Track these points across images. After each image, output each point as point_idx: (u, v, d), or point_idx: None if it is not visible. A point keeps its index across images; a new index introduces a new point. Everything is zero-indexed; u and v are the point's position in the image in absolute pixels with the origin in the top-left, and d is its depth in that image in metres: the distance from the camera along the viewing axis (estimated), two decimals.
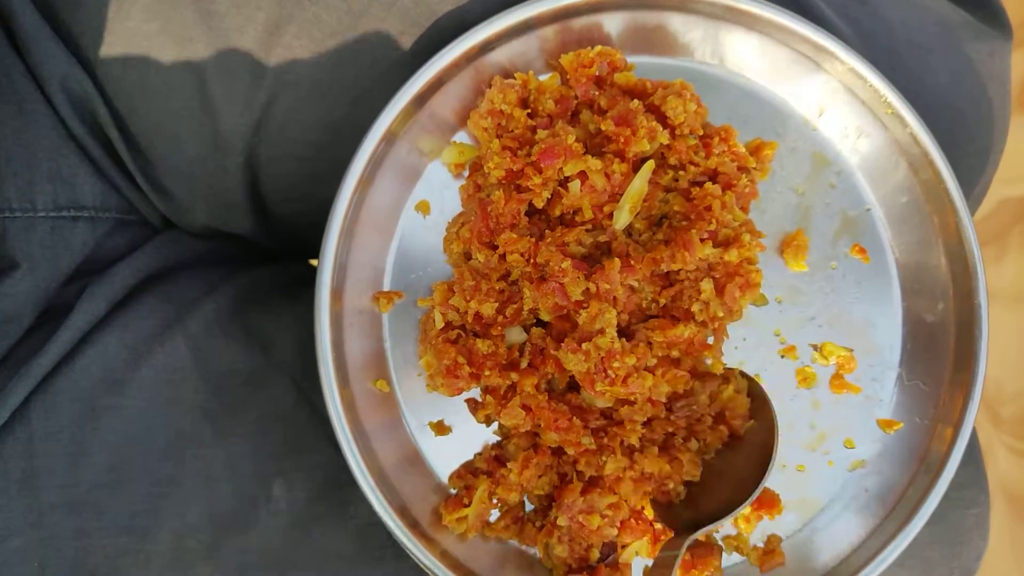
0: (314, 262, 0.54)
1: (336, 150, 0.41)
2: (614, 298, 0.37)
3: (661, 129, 0.37)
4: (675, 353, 0.38)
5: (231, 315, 0.43)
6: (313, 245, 0.38)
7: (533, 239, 0.37)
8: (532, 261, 0.37)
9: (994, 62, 0.49)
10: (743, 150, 0.39)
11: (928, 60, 0.45)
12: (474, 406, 0.40)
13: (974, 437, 0.44)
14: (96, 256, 0.42)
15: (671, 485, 0.39)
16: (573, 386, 0.39)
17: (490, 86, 0.38)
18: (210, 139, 0.41)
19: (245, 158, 0.41)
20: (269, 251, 0.52)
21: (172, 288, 0.43)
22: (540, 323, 0.39)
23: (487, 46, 0.38)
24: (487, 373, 0.37)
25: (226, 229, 0.46)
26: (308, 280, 0.39)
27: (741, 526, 0.40)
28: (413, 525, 0.38)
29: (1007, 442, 0.78)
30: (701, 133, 0.39)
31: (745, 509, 0.38)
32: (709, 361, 0.39)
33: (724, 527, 0.40)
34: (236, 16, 0.39)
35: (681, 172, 0.38)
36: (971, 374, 0.39)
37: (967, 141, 0.47)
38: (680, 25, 0.39)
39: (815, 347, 0.41)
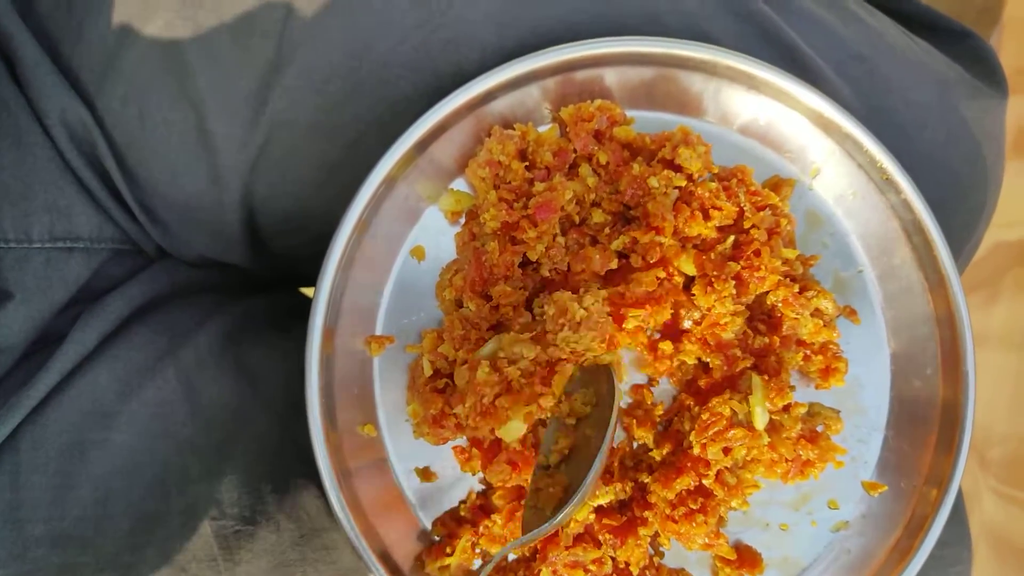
0: (307, 291, 0.54)
1: (332, 188, 0.41)
2: None
3: (675, 174, 0.37)
4: None
5: (223, 347, 0.43)
6: (306, 275, 0.38)
7: (526, 292, 0.37)
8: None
9: (989, 120, 0.49)
10: (762, 188, 0.39)
11: (924, 118, 0.46)
12: (461, 453, 0.40)
13: (959, 492, 0.44)
14: (90, 286, 0.42)
15: None
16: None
17: (489, 135, 0.39)
18: (208, 174, 0.41)
19: (242, 194, 0.41)
20: (263, 279, 0.52)
21: (165, 318, 0.43)
22: None
23: (489, 95, 0.38)
24: (473, 424, 0.37)
25: (221, 259, 0.46)
26: (300, 312, 0.39)
27: None
28: (395, 571, 0.38)
29: (993, 486, 0.78)
30: (716, 170, 0.39)
31: (587, 494, 0.36)
32: None
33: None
34: (237, 56, 0.39)
35: (709, 223, 0.38)
36: (957, 440, 0.39)
37: (961, 198, 0.47)
38: (681, 82, 0.39)
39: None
